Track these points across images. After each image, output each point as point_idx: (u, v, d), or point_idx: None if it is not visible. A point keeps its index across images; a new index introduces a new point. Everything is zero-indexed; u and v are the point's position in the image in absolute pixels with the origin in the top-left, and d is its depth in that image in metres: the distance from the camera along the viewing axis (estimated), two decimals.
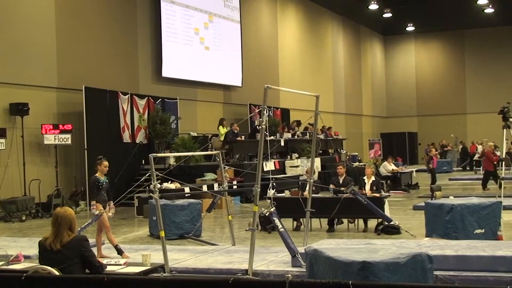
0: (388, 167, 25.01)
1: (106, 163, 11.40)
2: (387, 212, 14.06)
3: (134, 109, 22.97)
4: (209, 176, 21.35)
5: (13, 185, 18.90)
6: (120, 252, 10.79)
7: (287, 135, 27.95)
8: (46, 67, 20.42)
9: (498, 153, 28.05)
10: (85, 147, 20.45)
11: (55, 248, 6.54)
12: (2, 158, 18.66)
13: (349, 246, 8.00)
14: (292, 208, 14.03)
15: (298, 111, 32.65)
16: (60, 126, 19.81)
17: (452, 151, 41.62)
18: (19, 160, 18.92)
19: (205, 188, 19.36)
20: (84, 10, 22.05)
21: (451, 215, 11.64)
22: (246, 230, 13.01)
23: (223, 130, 25.02)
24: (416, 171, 28.06)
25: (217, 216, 17.65)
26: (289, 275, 4.34)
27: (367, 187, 14.92)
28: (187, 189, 17.99)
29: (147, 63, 24.97)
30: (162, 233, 9.66)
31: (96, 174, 11.33)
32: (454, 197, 14.61)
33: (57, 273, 6.11)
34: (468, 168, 37.04)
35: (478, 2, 42.45)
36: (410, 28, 48.77)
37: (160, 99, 24.31)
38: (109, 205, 11.21)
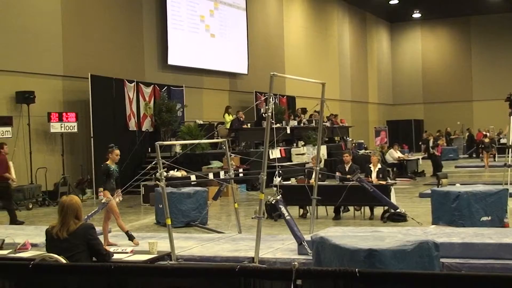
0: (394, 154, 24.97)
1: (117, 151, 11.35)
2: (393, 199, 14.05)
3: (140, 97, 22.98)
4: (215, 164, 21.37)
5: (19, 174, 18.90)
6: (131, 237, 10.74)
7: (293, 123, 27.94)
8: (52, 55, 20.43)
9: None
10: (91, 135, 20.49)
11: (61, 237, 6.55)
12: (9, 146, 18.65)
13: (356, 234, 8.01)
14: (298, 196, 14.03)
15: (304, 99, 32.61)
16: (66, 114, 19.85)
17: (458, 138, 41.53)
18: (26, 148, 18.97)
19: (211, 176, 19.37)
20: None
21: (457, 202, 11.63)
22: (252, 218, 13.04)
23: (229, 118, 25.02)
24: (422, 158, 28.01)
25: (223, 204, 17.66)
26: (296, 263, 4.34)
27: (373, 174, 14.92)
28: (193, 177, 18.01)
29: (153, 51, 24.95)
30: (169, 221, 9.67)
31: (107, 162, 11.25)
32: (461, 184, 14.60)
33: (64, 261, 6.12)
34: (474, 156, 36.98)
35: None
36: (417, 15, 48.58)
37: (166, 87, 24.30)
38: (116, 192, 11.20)
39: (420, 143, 35.91)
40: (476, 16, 47.46)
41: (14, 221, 14.99)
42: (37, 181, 19.08)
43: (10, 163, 15.74)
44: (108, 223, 11.22)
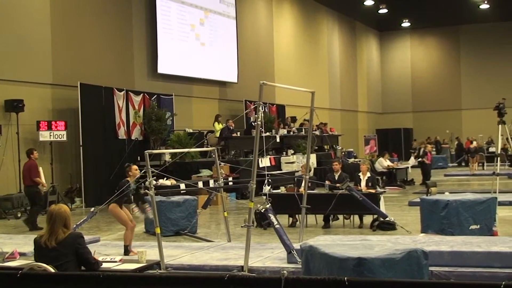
0: (384, 163, 25.03)
1: (135, 166, 11.28)
2: (382, 208, 14.07)
3: (130, 105, 22.93)
4: (205, 172, 21.35)
5: (8, 182, 18.85)
6: (127, 252, 10.72)
7: (283, 131, 27.97)
8: (41, 63, 20.37)
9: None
10: (81, 143, 20.43)
11: (50, 246, 6.53)
12: None
13: (345, 242, 8.02)
14: (287, 205, 14.01)
15: (294, 107, 32.66)
16: (55, 123, 19.79)
17: (444, 148, 41.68)
18: (14, 157, 18.88)
19: (200, 184, 19.36)
20: (79, 6, 22.00)
21: (446, 211, 11.66)
22: (241, 227, 13.02)
23: (218, 126, 25.02)
24: (411, 167, 28.09)
25: (213, 213, 17.64)
26: (285, 272, 4.34)
27: (363, 183, 14.95)
28: (182, 186, 17.98)
29: (143, 59, 24.93)
30: (158, 230, 9.66)
31: (128, 179, 11.13)
32: (450, 193, 14.64)
33: (52, 270, 6.10)
34: (463, 164, 37.12)
35: None
36: (406, 24, 48.81)
37: (155, 96, 24.27)
38: (132, 207, 11.20)
39: (410, 151, 36.15)
40: (465, 25, 47.73)
41: (33, 223, 15.29)
42: None
43: (40, 169, 16.01)
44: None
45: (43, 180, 15.93)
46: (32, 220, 15.42)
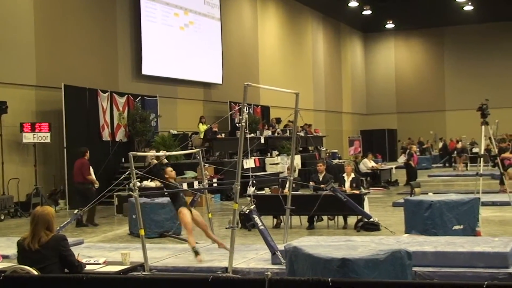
0: (368, 164, 25.09)
1: (169, 168, 11.41)
2: (366, 209, 14.10)
3: (114, 107, 22.87)
4: (189, 174, 21.32)
5: None
6: (196, 253, 10.21)
7: (267, 133, 27.98)
8: (24, 64, 20.26)
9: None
10: (65, 145, 20.33)
11: (33, 248, 6.49)
12: None
13: (329, 243, 8.02)
14: (272, 206, 14.03)
15: (279, 109, 32.68)
16: (39, 125, 19.68)
17: (427, 148, 41.89)
18: None
19: (185, 186, 19.31)
20: (63, 7, 21.90)
21: (430, 211, 11.69)
22: (226, 228, 12.99)
23: (202, 128, 25.01)
24: (395, 168, 28.19)
25: None
26: (269, 273, 4.35)
27: (347, 184, 14.98)
28: None
29: (127, 61, 24.86)
30: (142, 232, 9.63)
31: (171, 180, 11.24)
32: (433, 193, 14.70)
33: (35, 272, 6.07)
34: (447, 165, 37.31)
35: (457, 0, 42.69)
36: (390, 25, 48.95)
37: (140, 97, 24.21)
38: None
39: (401, 150, 36.50)
40: (449, 27, 47.95)
41: (91, 220, 16.03)
42: (9, 192, 18.88)
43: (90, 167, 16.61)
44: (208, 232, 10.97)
45: (94, 178, 16.52)
46: (92, 217, 16.06)
